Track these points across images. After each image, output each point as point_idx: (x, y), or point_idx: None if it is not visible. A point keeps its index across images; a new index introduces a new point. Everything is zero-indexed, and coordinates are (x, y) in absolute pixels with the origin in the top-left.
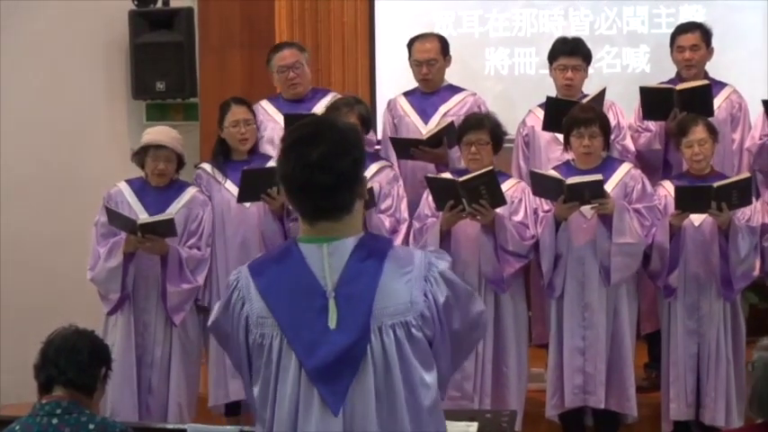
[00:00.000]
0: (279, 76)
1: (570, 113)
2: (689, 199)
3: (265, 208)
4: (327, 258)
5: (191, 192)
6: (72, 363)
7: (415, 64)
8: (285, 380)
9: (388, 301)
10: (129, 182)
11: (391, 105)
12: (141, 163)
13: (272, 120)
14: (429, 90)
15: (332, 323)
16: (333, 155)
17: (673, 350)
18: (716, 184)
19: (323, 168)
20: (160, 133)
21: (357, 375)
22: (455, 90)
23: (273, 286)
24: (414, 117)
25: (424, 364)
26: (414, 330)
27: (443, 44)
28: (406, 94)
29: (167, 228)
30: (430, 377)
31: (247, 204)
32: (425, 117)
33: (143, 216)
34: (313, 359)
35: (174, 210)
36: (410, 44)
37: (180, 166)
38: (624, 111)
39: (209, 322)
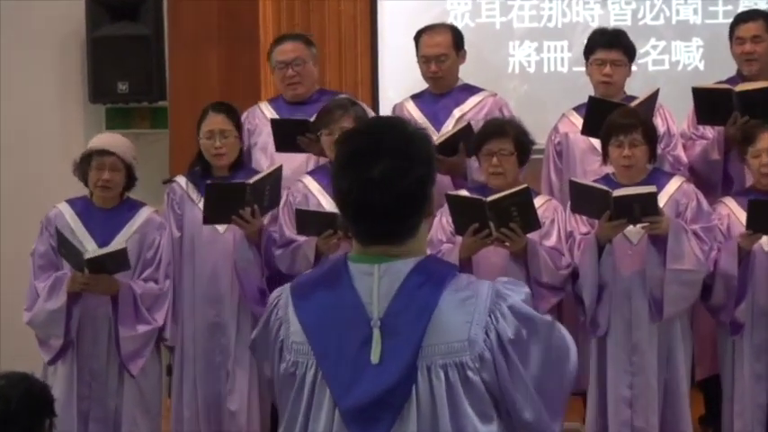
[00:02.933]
0: (277, 72)
1: (609, 119)
2: (763, 216)
3: (239, 236)
4: (378, 281)
5: (145, 213)
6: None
7: (423, 60)
8: (317, 419)
9: (442, 336)
10: (70, 202)
11: (397, 110)
12: (85, 176)
13: (268, 124)
14: (440, 91)
15: (374, 357)
16: (397, 172)
17: (738, 399)
18: None
19: (384, 188)
20: (105, 138)
21: (398, 421)
22: (472, 90)
23: (313, 309)
24: (423, 123)
25: (481, 414)
26: (470, 373)
27: (456, 36)
28: (415, 97)
29: (119, 261)
30: (487, 430)
31: (221, 229)
32: (437, 123)
33: (89, 245)
34: (349, 398)
35: (126, 236)
36: (417, 37)
37: (130, 182)
38: (674, 115)
39: (251, 340)
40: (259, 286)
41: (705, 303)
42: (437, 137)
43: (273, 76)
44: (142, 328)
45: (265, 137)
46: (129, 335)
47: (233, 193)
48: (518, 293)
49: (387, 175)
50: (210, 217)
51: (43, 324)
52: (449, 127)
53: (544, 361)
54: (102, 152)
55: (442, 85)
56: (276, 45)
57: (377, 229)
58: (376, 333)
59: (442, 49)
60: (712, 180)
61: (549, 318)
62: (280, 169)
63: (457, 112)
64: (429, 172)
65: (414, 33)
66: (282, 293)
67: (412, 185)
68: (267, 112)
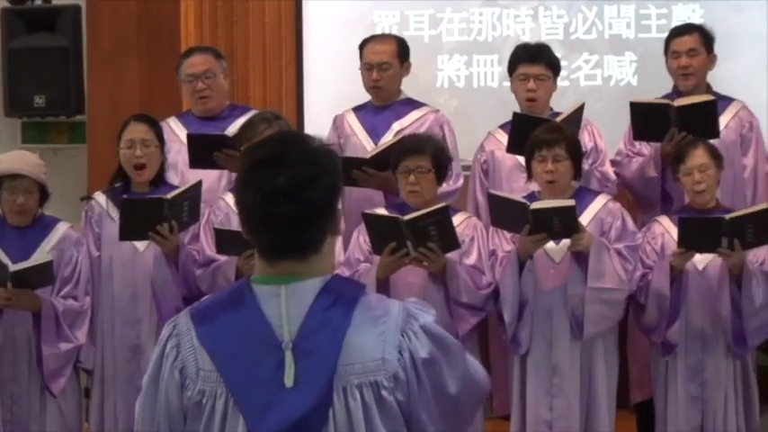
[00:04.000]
0: (187, 86)
1: (532, 134)
2: (696, 234)
3: (157, 253)
4: (286, 303)
5: (61, 229)
6: None
7: (365, 68)
8: None
9: (356, 356)
10: None
11: (338, 122)
12: None
13: (177, 140)
14: (381, 102)
15: (288, 381)
16: (302, 181)
17: (671, 421)
18: (729, 216)
19: (289, 198)
20: (16, 160)
21: None
22: (413, 105)
23: (219, 334)
24: (362, 136)
25: None
26: (384, 393)
27: (401, 47)
28: (356, 108)
29: (44, 275)
30: None
31: (141, 248)
32: (375, 136)
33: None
34: (265, 424)
35: (43, 253)
36: (362, 46)
37: (44, 198)
38: (604, 131)
39: (148, 374)
40: (177, 305)
41: (638, 324)
42: (369, 152)
43: (183, 90)
44: (64, 346)
45: (174, 154)
46: (52, 353)
47: (150, 209)
48: (428, 314)
49: (292, 185)
50: (126, 233)
51: None
52: (387, 140)
53: (456, 383)
54: (15, 176)
55: (384, 96)
56: (185, 58)
57: (281, 242)
58: (288, 356)
59: (385, 57)
60: (651, 198)
61: (459, 343)
62: (199, 185)
63: (396, 126)
64: (335, 183)
65: (340, 46)
66: (179, 321)
67: (318, 195)
68: (176, 127)
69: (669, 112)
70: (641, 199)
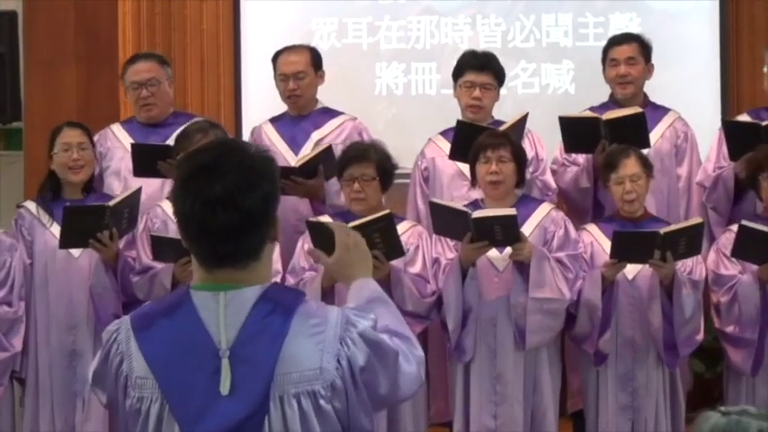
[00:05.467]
0: (131, 93)
1: (477, 141)
2: (629, 246)
3: (95, 260)
4: (224, 310)
5: None
6: None
7: (281, 78)
8: None
9: (294, 365)
10: None
11: (255, 134)
12: None
13: (121, 147)
14: (299, 113)
15: (224, 389)
16: (240, 188)
17: (602, 430)
18: (663, 231)
19: (227, 205)
20: None
21: None
22: (331, 114)
23: (157, 341)
24: (281, 147)
25: None
26: (322, 402)
27: (314, 56)
28: (273, 120)
29: None
30: None
31: (76, 254)
32: (295, 146)
33: None
34: (199, 431)
35: None
36: (275, 58)
37: None
38: (542, 139)
39: (90, 375)
40: (115, 312)
41: (569, 333)
42: (297, 159)
43: (127, 97)
44: (1, 355)
45: (117, 161)
46: None
47: (92, 216)
48: (366, 319)
49: (230, 192)
50: (67, 241)
51: None
52: (307, 150)
53: (387, 385)
54: None
55: (301, 105)
56: (130, 64)
57: (220, 250)
58: (225, 363)
59: (299, 66)
60: (584, 206)
61: (397, 349)
62: (139, 191)
63: (315, 136)
64: (273, 190)
65: None
66: (121, 327)
67: (256, 202)
68: (120, 134)
69: (599, 126)
70: (574, 207)
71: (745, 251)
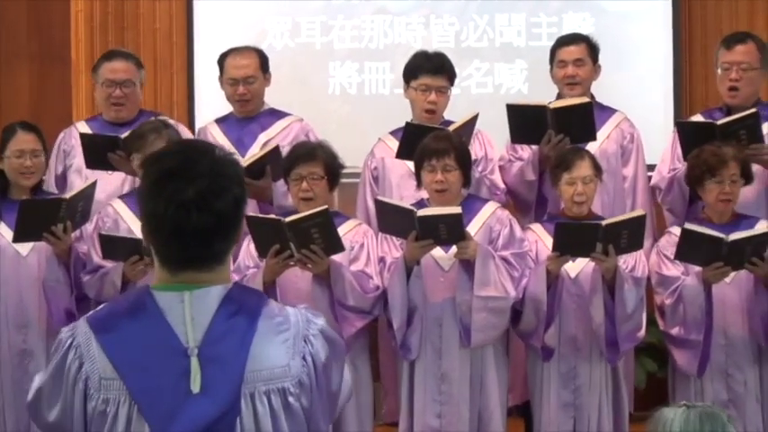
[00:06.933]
0: (103, 90)
1: (422, 142)
2: (571, 239)
3: (48, 254)
4: (189, 309)
5: None
6: None
7: (230, 83)
8: None
9: (263, 363)
10: None
11: (201, 134)
12: None
13: None
14: (246, 114)
15: (195, 387)
16: (213, 192)
17: (545, 426)
18: (605, 222)
19: (202, 208)
20: None
21: None
22: (278, 115)
23: (121, 342)
24: (228, 148)
25: None
26: (291, 399)
27: (262, 59)
28: (219, 121)
29: None
30: None
31: (24, 252)
32: (242, 148)
33: None
34: (171, 431)
35: None
36: (221, 60)
37: None
38: (495, 139)
39: (30, 396)
40: (67, 307)
41: (515, 329)
42: (244, 160)
43: (96, 92)
44: None
45: (80, 159)
46: None
47: (48, 210)
48: (320, 318)
49: (204, 195)
50: (21, 234)
51: None
52: (255, 152)
53: (338, 381)
54: None
55: (249, 108)
56: (106, 60)
57: (190, 253)
58: (194, 362)
59: (249, 70)
60: (528, 201)
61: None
62: (94, 185)
63: (263, 137)
64: (242, 194)
65: None
66: (77, 331)
67: (228, 206)
68: (85, 132)
69: (545, 115)
70: (519, 202)
71: (688, 254)
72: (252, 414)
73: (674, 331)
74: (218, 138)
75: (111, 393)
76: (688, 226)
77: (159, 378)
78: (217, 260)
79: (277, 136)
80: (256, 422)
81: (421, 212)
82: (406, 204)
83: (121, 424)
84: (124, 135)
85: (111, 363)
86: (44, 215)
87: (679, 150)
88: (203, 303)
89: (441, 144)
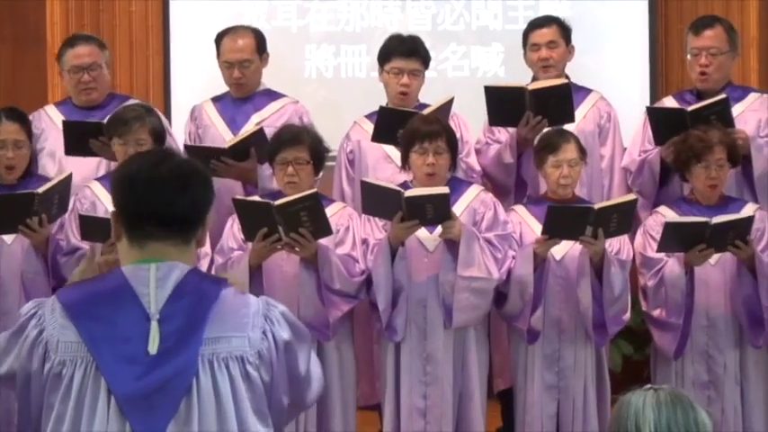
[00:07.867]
0: (71, 77)
1: (410, 125)
2: (562, 222)
3: (26, 246)
4: (154, 276)
5: None
6: None
7: (226, 66)
8: (92, 417)
9: (221, 331)
10: None
11: (196, 113)
12: None
13: (55, 128)
14: (241, 95)
15: (152, 348)
16: (185, 167)
17: (529, 409)
18: (597, 206)
19: (171, 166)
20: None
21: (179, 415)
22: (273, 96)
23: (84, 305)
24: (221, 127)
25: (260, 414)
26: (250, 369)
27: (259, 40)
28: (215, 99)
29: None
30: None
31: (9, 240)
32: (234, 127)
33: None
34: (126, 387)
35: None
36: (218, 40)
37: None
38: (472, 122)
39: None
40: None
41: (500, 311)
42: (228, 141)
43: (63, 79)
44: None
45: (52, 142)
46: None
47: (20, 203)
48: (281, 305)
49: (175, 171)
50: None
51: None
52: (246, 131)
53: (304, 368)
54: None
55: (245, 89)
56: (69, 47)
57: (164, 211)
58: (154, 325)
59: (245, 54)
60: (507, 184)
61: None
62: (69, 177)
63: (256, 118)
64: (210, 185)
65: (207, 35)
66: (44, 301)
67: (198, 178)
68: (54, 116)
69: (524, 97)
70: (497, 185)
71: (671, 246)
72: (210, 379)
73: (656, 313)
74: (212, 116)
75: (68, 355)
76: (669, 220)
77: (120, 340)
78: (181, 232)
79: (270, 117)
80: (215, 387)
81: (408, 193)
82: (393, 185)
83: (76, 383)
84: (106, 120)
85: (74, 324)
86: (17, 209)
87: (650, 133)
88: (168, 273)
89: (432, 127)
